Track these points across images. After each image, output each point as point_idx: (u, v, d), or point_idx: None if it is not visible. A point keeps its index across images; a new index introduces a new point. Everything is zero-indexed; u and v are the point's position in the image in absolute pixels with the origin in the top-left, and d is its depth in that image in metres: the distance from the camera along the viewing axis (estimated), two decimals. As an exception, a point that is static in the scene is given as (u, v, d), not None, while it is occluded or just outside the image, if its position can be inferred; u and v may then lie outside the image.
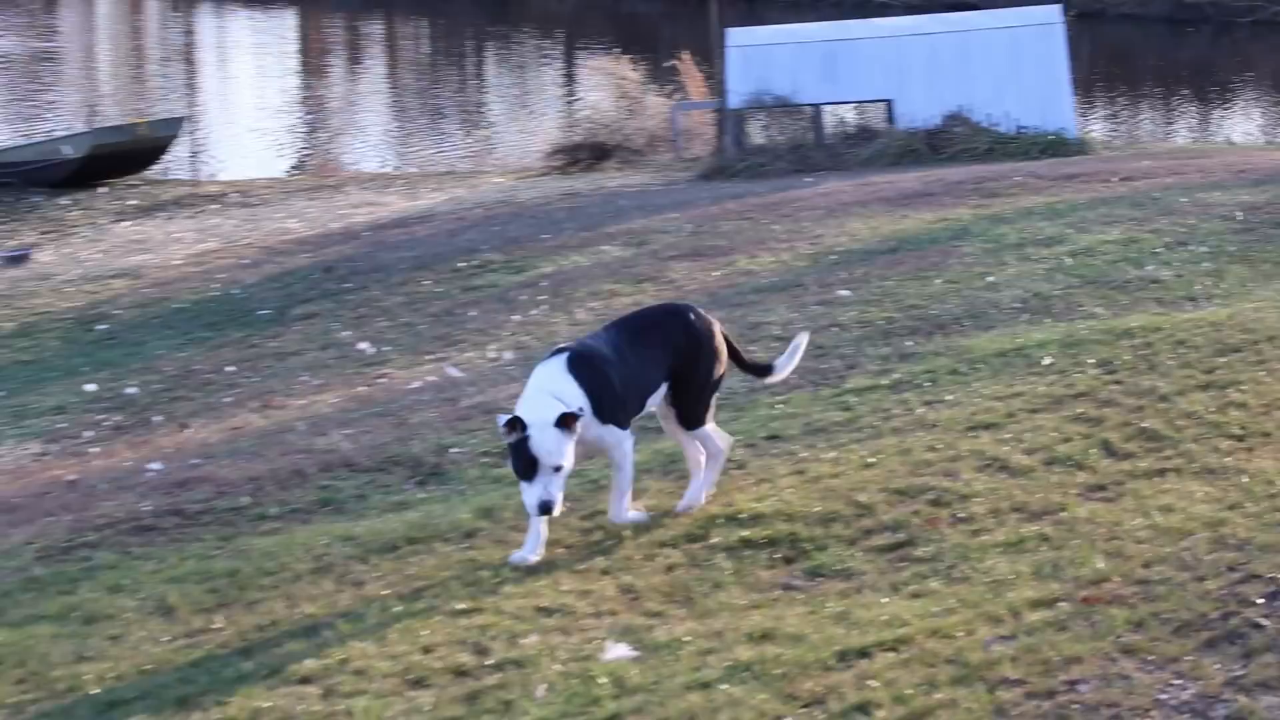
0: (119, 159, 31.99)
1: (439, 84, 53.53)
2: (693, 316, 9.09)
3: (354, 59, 60.69)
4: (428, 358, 14.91)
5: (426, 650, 7.47)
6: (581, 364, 8.45)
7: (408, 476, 10.56)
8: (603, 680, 6.92)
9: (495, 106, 47.19)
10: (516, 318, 15.91)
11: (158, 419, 14.60)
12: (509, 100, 48.77)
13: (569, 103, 41.88)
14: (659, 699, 6.69)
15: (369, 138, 40.62)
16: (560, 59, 57.18)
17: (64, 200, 29.88)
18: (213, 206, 28.72)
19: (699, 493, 8.94)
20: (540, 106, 44.84)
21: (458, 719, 6.78)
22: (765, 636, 7.16)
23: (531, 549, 8.37)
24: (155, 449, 13.06)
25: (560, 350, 8.67)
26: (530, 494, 8.13)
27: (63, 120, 39.76)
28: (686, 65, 32.59)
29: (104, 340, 19.12)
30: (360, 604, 8.12)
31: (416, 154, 36.65)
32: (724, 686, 6.71)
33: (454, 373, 13.86)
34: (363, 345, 16.03)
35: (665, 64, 33.71)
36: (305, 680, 7.30)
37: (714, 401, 9.13)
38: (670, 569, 8.19)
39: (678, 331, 8.96)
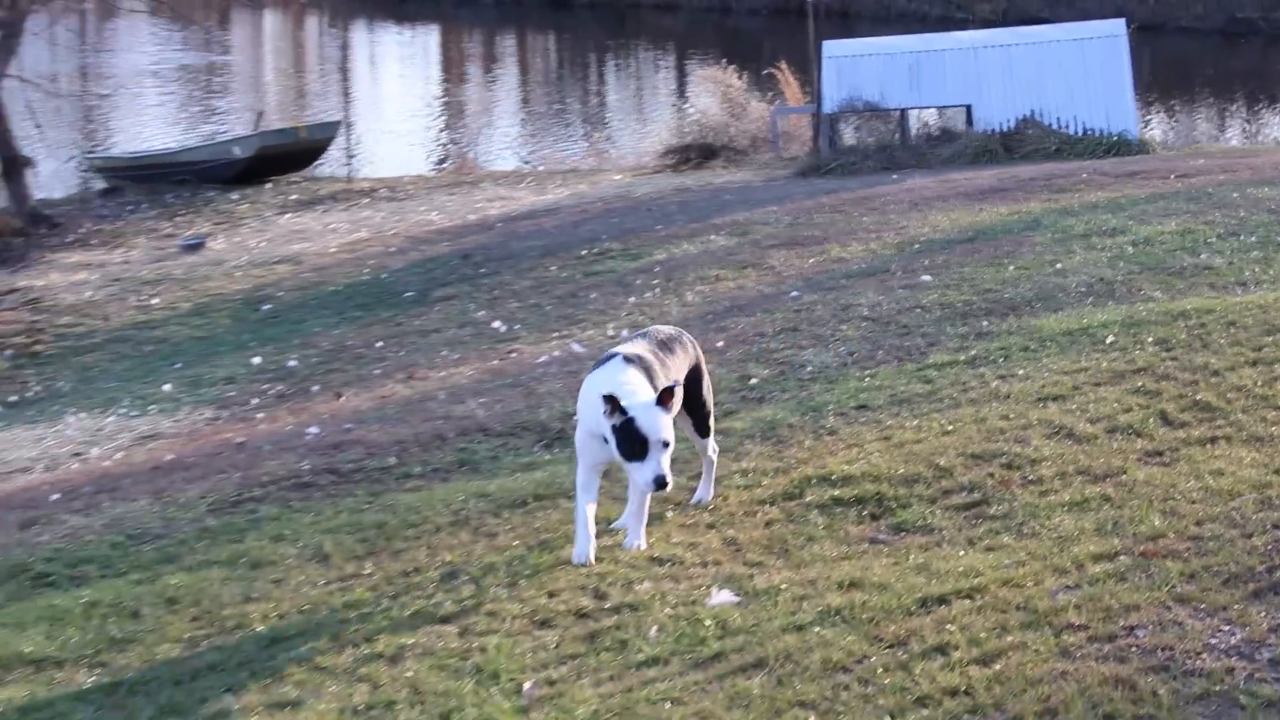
0: (282, 159, 32.28)
1: (564, 91, 53.61)
2: (690, 337, 8.80)
3: (489, 69, 60.86)
4: (554, 335, 14.96)
5: (551, 595, 7.51)
6: (640, 366, 7.99)
7: (535, 440, 10.61)
8: (708, 623, 6.93)
9: (614, 111, 47.21)
10: (633, 299, 15.94)
11: (315, 388, 14.72)
12: (626, 105, 48.79)
13: (680, 107, 41.77)
14: (758, 639, 6.70)
15: (502, 139, 40.73)
16: (672, 68, 57.15)
17: (234, 195, 30.17)
18: (364, 200, 28.90)
19: (708, 490, 8.73)
20: (654, 111, 44.78)
21: (579, 655, 6.82)
22: (854, 585, 7.15)
23: (641, 534, 8.04)
24: (313, 415, 13.18)
25: (613, 354, 8.16)
26: (644, 471, 7.63)
27: (233, 124, 40.11)
28: (785, 74, 32.50)
29: (268, 319, 19.30)
30: (493, 553, 8.17)
31: (544, 153, 36.71)
32: (817, 629, 6.71)
33: (577, 348, 13.89)
34: (496, 324, 16.09)
35: (766, 73, 33.60)
36: (444, 620, 7.36)
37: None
38: (769, 524, 8.19)
39: (691, 346, 8.61)
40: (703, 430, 8.63)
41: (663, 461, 7.62)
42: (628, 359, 8.01)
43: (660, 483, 7.62)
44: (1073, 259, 13.92)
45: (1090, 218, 16.02)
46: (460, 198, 27.99)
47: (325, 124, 35.28)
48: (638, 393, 7.74)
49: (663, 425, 7.64)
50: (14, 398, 17.63)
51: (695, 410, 8.54)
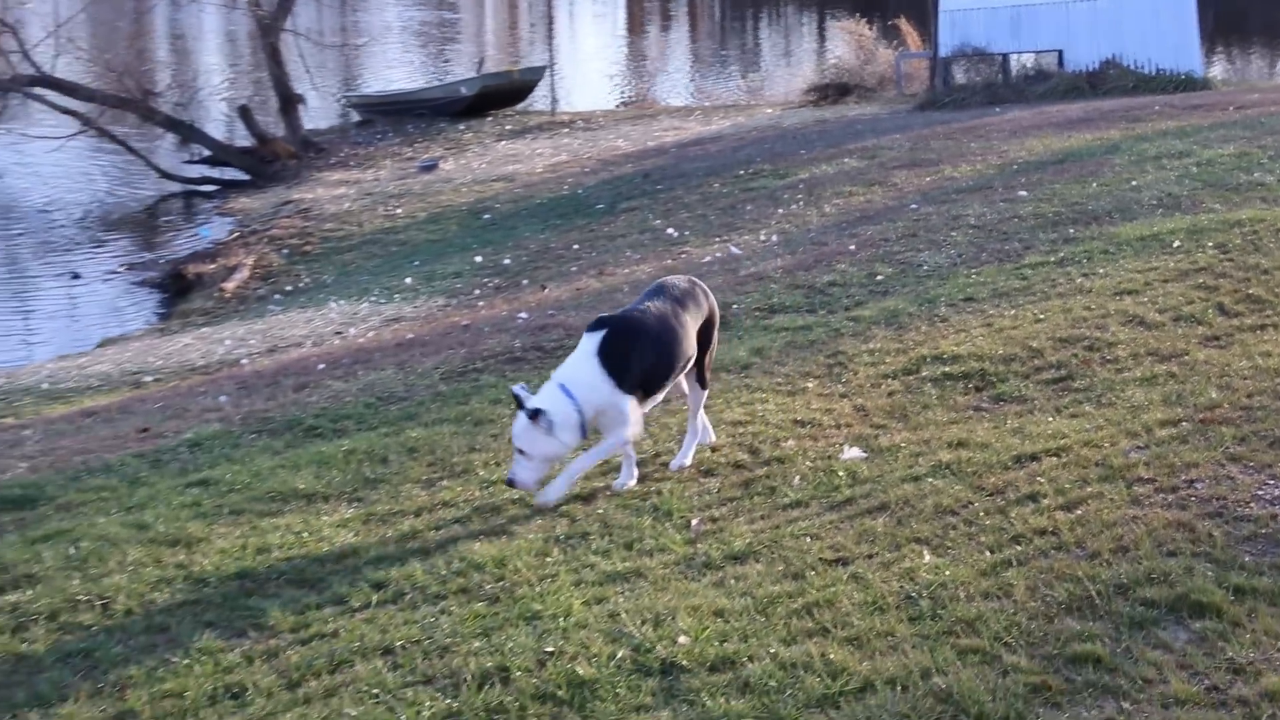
0: (499, 96, 32.32)
1: (727, 40, 53.08)
2: (705, 287, 7.55)
3: (665, 23, 60.43)
4: (716, 239, 14.89)
5: (713, 450, 7.51)
6: (615, 350, 6.84)
7: (701, 324, 10.59)
8: (841, 474, 6.91)
9: (766, 56, 46.67)
10: (780, 211, 15.80)
11: (525, 282, 14.81)
12: (776, 51, 48.21)
13: (820, 53, 41.24)
14: (882, 488, 6.66)
15: (676, 79, 40.45)
16: (814, 21, 56.32)
17: (461, 126, 30.31)
18: (564, 130, 28.89)
19: (687, 456, 7.40)
20: (799, 56, 44.22)
21: (736, 499, 6.83)
22: (961, 444, 7.09)
23: (628, 477, 7.13)
24: (523, 303, 13.26)
25: (601, 324, 7.00)
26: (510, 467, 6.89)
27: (459, 68, 40.23)
28: (906, 25, 31.96)
29: (488, 226, 19.43)
30: (666, 415, 8.17)
31: (709, 91, 36.40)
32: (930, 480, 6.67)
33: (735, 250, 13.82)
34: (670, 230, 16.05)
35: (890, 24, 32.98)
36: (627, 468, 7.39)
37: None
38: (891, 394, 8.12)
39: (705, 299, 7.40)
40: (703, 381, 7.47)
41: (515, 464, 6.79)
42: (604, 346, 6.85)
43: (507, 483, 6.89)
44: (1146, 177, 13.56)
45: (1161, 143, 15.58)
46: (641, 128, 27.88)
47: (534, 68, 35.23)
48: (545, 398, 6.75)
49: (518, 434, 6.73)
50: (289, 287, 17.98)
51: (701, 362, 7.41)
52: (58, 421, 11.05)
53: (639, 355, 6.91)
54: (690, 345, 7.19)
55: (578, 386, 6.80)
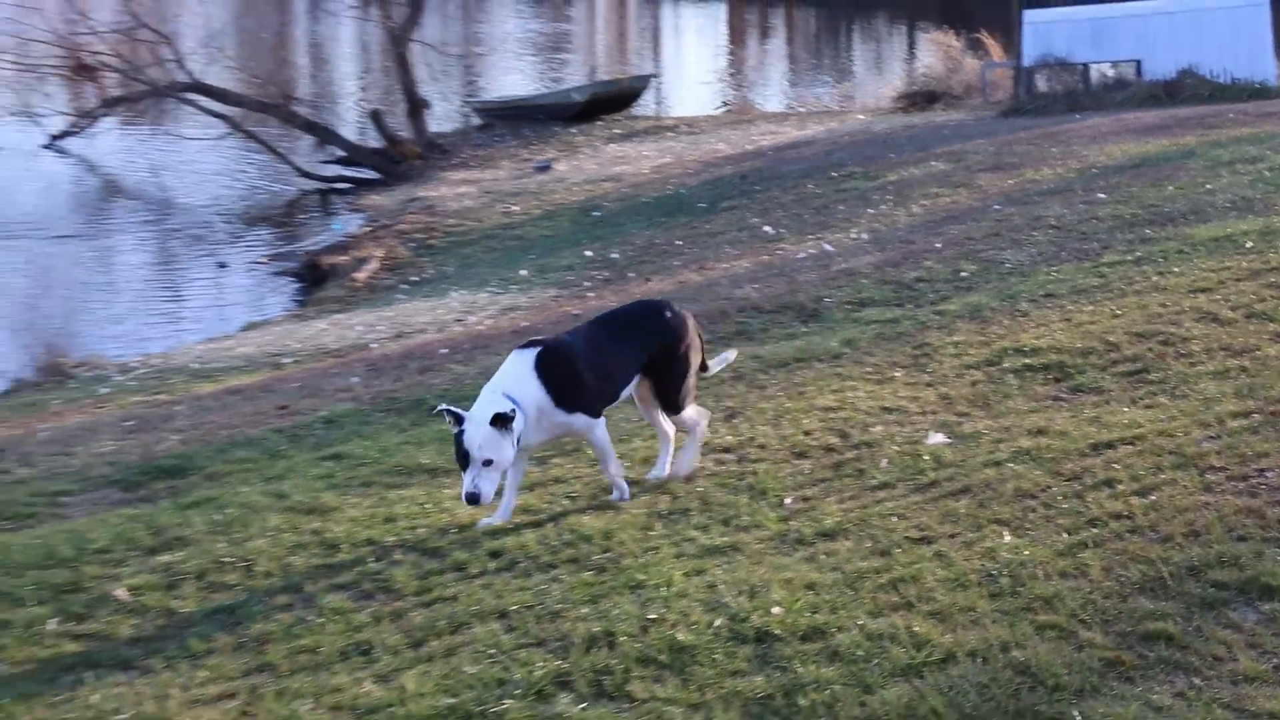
0: (609, 102, 32.31)
1: (821, 50, 52.74)
2: (668, 314, 6.96)
3: (764, 35, 60.16)
4: (810, 237, 14.81)
5: (806, 433, 7.48)
6: (549, 359, 6.48)
7: (795, 317, 10.54)
8: (926, 458, 6.86)
9: (858, 65, 46.28)
10: (871, 211, 15.68)
11: (631, 275, 14.83)
12: (868, 60, 47.78)
13: (909, 62, 40.80)
14: (965, 472, 6.61)
15: (772, 86, 40.23)
16: (904, 32, 55.77)
17: (573, 130, 30.35)
18: (669, 134, 28.84)
19: (673, 465, 7.07)
20: (889, 65, 43.78)
21: (827, 479, 6.79)
22: (1040, 432, 7.01)
23: (624, 490, 6.79)
24: (629, 294, 13.27)
25: (532, 344, 6.58)
26: (462, 483, 6.22)
27: (572, 76, 40.31)
28: (991, 37, 31.56)
29: (597, 223, 19.46)
30: (763, 401, 8.16)
31: (804, 97, 36.15)
32: (1011, 465, 6.60)
33: (828, 248, 13.74)
34: (766, 228, 15.99)
35: (974, 36, 32.56)
36: (725, 450, 7.39)
37: (693, 388, 7.06)
38: (974, 384, 8.04)
39: (655, 327, 6.89)
40: (669, 407, 6.96)
41: (477, 478, 6.12)
42: (542, 355, 6.49)
43: (469, 499, 6.16)
44: (1220, 181, 13.28)
45: (1235, 148, 15.24)
46: (740, 132, 27.76)
47: (641, 76, 35.20)
48: (491, 405, 6.21)
49: (484, 444, 6.11)
50: (415, 278, 18.13)
51: (661, 388, 6.93)
52: (206, 398, 11.26)
53: (570, 368, 6.53)
54: (620, 367, 6.77)
55: (520, 393, 6.37)
